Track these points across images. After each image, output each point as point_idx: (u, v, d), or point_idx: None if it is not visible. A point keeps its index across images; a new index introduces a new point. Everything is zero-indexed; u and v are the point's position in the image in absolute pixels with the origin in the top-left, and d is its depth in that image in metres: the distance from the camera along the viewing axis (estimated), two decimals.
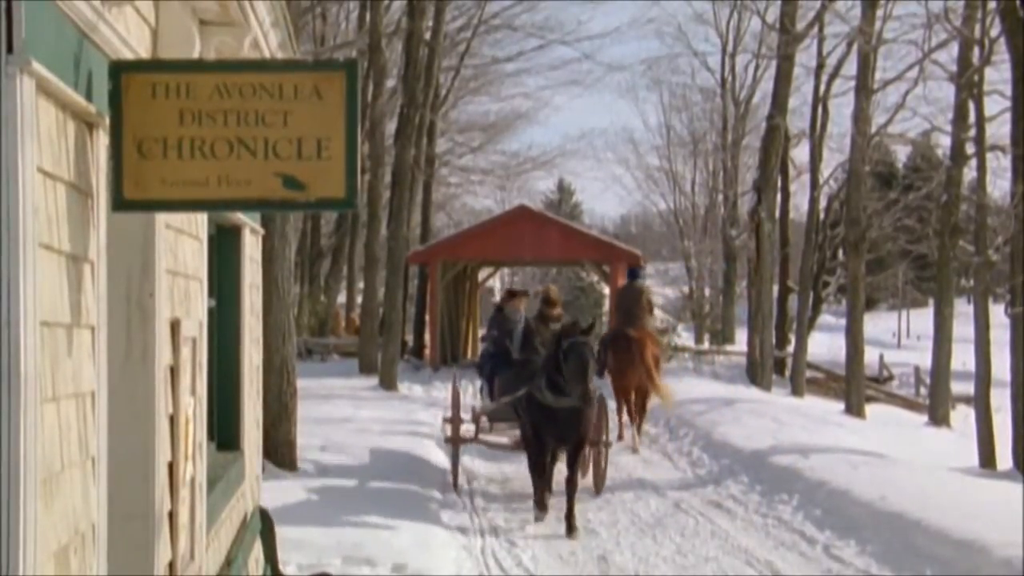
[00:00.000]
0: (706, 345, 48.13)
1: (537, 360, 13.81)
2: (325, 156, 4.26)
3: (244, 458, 7.59)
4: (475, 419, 15.69)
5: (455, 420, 15.42)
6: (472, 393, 25.94)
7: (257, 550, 7.68)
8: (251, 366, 8.08)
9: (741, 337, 43.17)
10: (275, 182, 4.26)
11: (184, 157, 4.21)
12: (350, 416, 21.46)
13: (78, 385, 3.77)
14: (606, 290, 47.85)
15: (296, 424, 15.60)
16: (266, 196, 4.29)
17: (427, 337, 36.85)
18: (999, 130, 25.37)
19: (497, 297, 64.13)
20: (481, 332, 48.24)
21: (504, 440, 15.52)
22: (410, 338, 38.53)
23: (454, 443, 15.41)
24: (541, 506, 13.45)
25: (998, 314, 24.31)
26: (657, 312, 55.92)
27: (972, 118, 26.33)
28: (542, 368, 13.21)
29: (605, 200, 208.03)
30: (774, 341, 38.50)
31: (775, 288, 40.66)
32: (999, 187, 27.64)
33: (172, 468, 5.08)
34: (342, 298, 49.06)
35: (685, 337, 50.40)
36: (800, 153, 44.50)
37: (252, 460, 8.25)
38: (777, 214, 40.83)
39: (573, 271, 39.36)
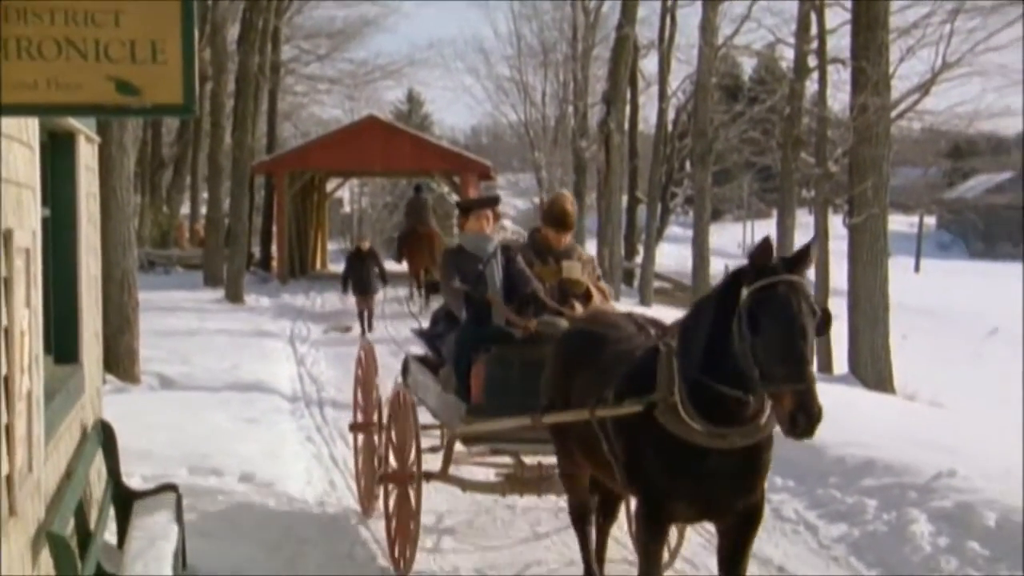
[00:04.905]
0: None
1: (592, 334, 6.91)
2: (160, 60, 4.13)
3: (83, 371, 7.43)
4: (447, 453, 8.11)
5: (395, 436, 8.24)
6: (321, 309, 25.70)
7: (99, 463, 7.56)
8: (89, 277, 7.88)
9: (591, 247, 43.65)
10: (108, 86, 4.12)
11: (11, 58, 4.04)
12: (195, 329, 21.21)
13: None
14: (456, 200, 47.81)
15: (138, 337, 15.37)
16: (98, 101, 4.15)
17: (274, 249, 36.46)
18: (839, 43, 25.84)
19: (347, 208, 63.15)
20: (332, 246, 47.81)
21: (490, 476, 8.90)
22: (257, 250, 38.09)
23: (393, 486, 8.15)
24: None
25: (837, 225, 25.02)
26: (508, 224, 56.15)
27: (814, 31, 26.77)
28: (693, 349, 5.84)
29: (455, 111, 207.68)
30: (623, 251, 39.16)
31: (624, 199, 41.21)
32: (839, 100, 28.17)
33: (7, 382, 4.94)
34: (185, 209, 48.15)
35: None
36: (649, 64, 44.96)
37: (92, 373, 8.08)
38: (626, 126, 41.30)
39: (423, 182, 39.21)
